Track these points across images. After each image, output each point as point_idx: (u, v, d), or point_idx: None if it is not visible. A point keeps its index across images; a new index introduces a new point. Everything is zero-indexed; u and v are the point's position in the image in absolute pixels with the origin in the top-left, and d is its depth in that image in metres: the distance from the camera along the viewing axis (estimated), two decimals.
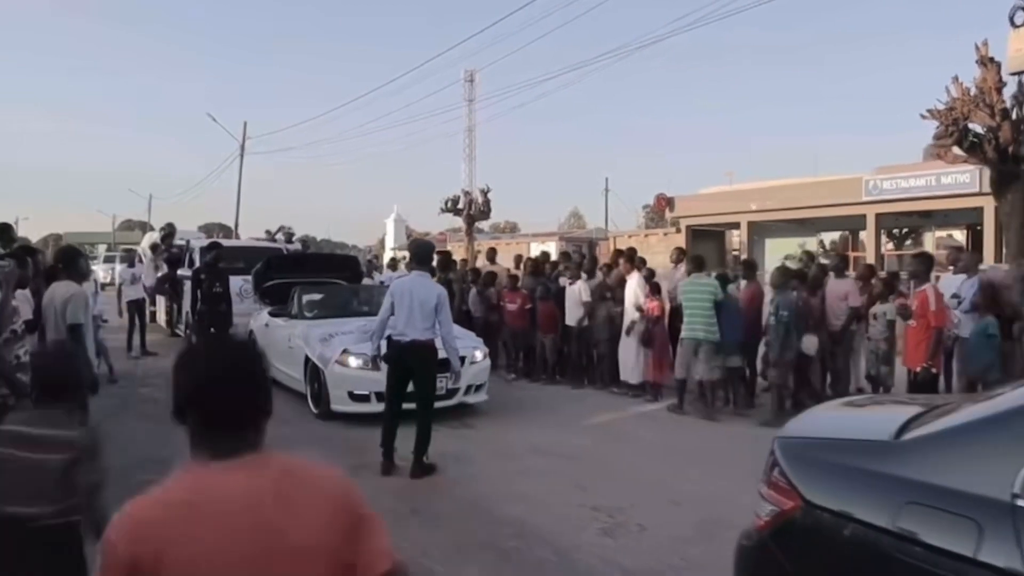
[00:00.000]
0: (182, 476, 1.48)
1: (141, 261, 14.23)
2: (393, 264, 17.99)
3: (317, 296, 9.52)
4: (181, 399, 1.50)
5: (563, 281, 10.30)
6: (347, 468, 6.30)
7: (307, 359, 8.06)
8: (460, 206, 24.00)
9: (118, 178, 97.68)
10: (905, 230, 28.73)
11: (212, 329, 9.59)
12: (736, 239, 31.13)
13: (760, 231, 28.16)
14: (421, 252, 6.33)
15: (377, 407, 7.54)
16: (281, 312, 9.47)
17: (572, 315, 10.09)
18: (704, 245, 26.10)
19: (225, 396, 1.49)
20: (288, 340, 8.73)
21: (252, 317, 10.51)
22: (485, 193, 24.34)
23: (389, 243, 62.17)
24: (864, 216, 23.43)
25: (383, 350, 6.24)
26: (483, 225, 37.27)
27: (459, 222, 25.06)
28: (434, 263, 6.52)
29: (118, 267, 13.71)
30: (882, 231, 23.88)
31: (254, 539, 1.39)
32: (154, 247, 14.03)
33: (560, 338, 10.37)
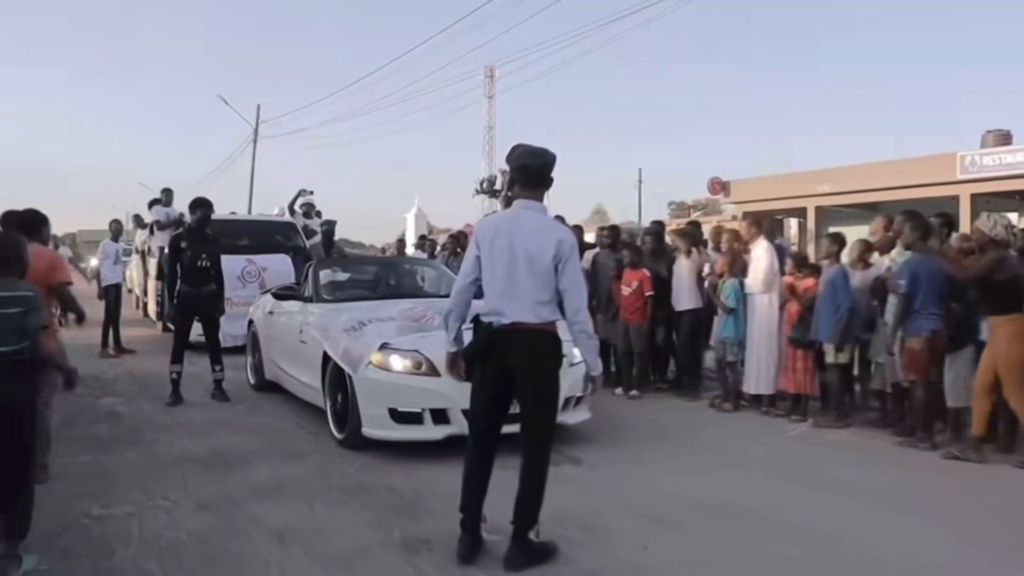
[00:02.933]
0: None
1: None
2: (428, 242, 14.55)
3: (342, 273, 6.91)
4: None
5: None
6: (396, 545, 3.64)
7: (326, 359, 5.47)
8: (497, 187, 21.30)
9: (131, 174, 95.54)
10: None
11: (197, 318, 7.04)
12: (794, 228, 28.46)
13: (824, 218, 25.44)
14: (533, 164, 3.49)
15: (435, 432, 4.97)
16: (290, 294, 6.87)
17: (683, 298, 7.46)
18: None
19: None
20: (299, 331, 6.14)
21: (254, 304, 7.96)
22: None
23: (410, 239, 59.65)
24: (956, 198, 20.54)
25: (465, 341, 3.57)
26: None
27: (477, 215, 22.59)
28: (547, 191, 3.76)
29: (102, 243, 11.21)
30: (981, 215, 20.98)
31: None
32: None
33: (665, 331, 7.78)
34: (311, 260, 9.47)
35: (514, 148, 3.57)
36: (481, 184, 21.98)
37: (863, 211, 24.41)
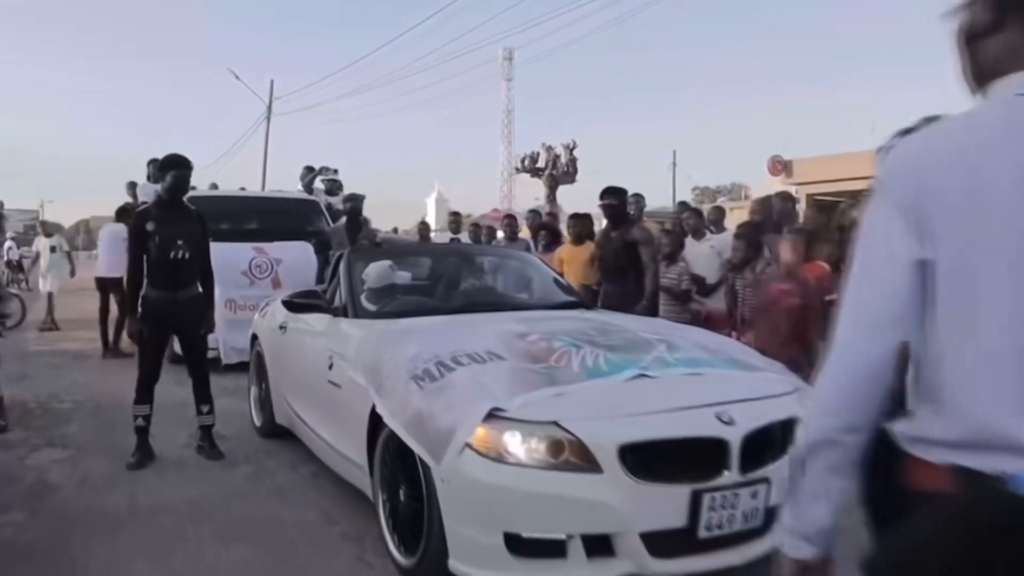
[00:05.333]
0: None
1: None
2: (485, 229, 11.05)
3: (391, 270, 4.51)
4: None
5: None
6: None
7: (375, 421, 3.16)
8: (540, 165, 18.91)
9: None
10: None
11: (175, 330, 4.75)
12: (854, 213, 25.85)
13: None
14: None
15: (591, 574, 2.65)
16: (312, 302, 4.44)
17: None
18: (821, 220, 20.80)
19: None
20: (327, 365, 3.80)
21: (259, 310, 5.65)
22: (571, 150, 19.16)
23: (433, 224, 57.52)
24: None
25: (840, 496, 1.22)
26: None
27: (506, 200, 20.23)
28: None
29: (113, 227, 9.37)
30: None
31: None
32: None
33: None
34: (331, 249, 7.31)
35: None
36: (522, 162, 19.66)
37: None
